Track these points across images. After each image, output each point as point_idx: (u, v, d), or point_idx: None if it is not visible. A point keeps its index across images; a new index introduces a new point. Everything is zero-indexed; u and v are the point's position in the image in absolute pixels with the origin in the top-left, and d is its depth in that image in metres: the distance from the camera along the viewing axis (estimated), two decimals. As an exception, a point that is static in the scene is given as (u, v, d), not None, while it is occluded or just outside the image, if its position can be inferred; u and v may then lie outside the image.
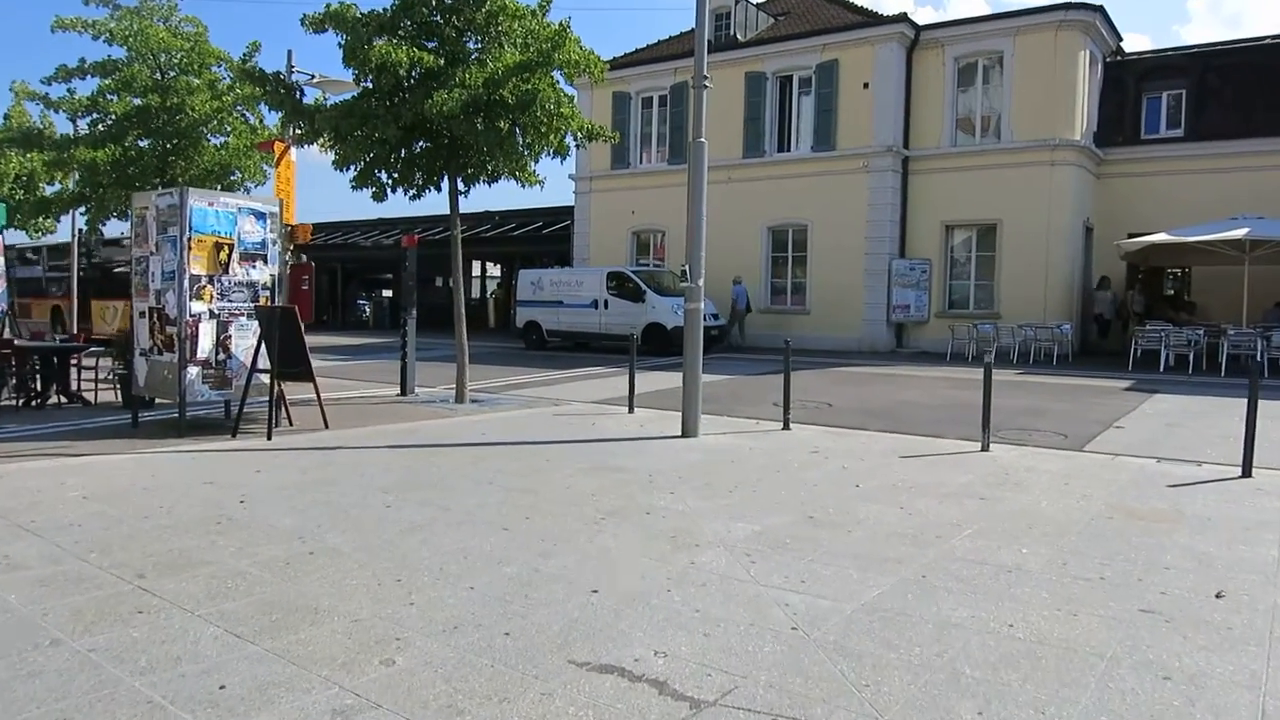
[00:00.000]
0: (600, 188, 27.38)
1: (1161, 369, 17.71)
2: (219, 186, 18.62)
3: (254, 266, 9.38)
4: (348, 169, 11.79)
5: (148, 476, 7.04)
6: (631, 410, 11.35)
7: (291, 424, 9.68)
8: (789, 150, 23.98)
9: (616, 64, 26.64)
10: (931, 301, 22.45)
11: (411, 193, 12.33)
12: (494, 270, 41.26)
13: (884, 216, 22.43)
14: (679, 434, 9.62)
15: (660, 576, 4.80)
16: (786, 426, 10.16)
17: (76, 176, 17.75)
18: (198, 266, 8.95)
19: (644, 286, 21.70)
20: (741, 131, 23.88)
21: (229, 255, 9.16)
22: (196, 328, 8.95)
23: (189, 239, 8.84)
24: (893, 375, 17.33)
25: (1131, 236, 21.00)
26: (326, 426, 9.49)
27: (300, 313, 15.26)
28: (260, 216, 9.43)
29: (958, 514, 6.35)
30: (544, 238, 31.48)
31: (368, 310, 39.36)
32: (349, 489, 6.73)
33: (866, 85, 22.38)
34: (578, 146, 12.63)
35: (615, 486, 7.02)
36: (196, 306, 8.96)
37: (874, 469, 7.97)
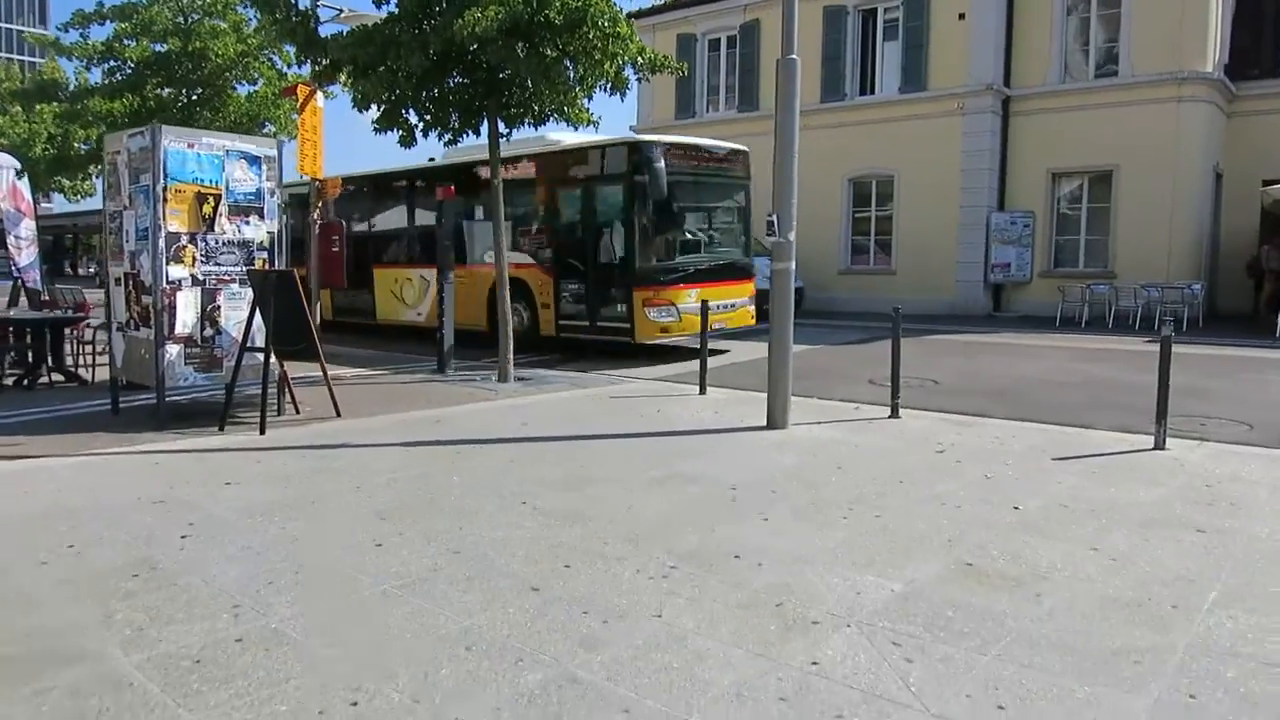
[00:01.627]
0: (664, 139, 25.36)
1: (1317, 336, 15.32)
2: (249, 140, 17.22)
3: (247, 222, 7.74)
4: (370, 108, 10.09)
5: (84, 492, 5.47)
6: (703, 390, 9.55)
7: (298, 412, 8.09)
8: (873, 93, 21.67)
9: (680, 2, 24.55)
10: (1035, 259, 20.09)
11: (446, 137, 10.61)
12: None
13: (981, 164, 20.04)
14: (763, 424, 7.79)
15: (768, 694, 3.02)
16: (895, 414, 8.25)
17: (103, 129, 16.47)
18: (176, 222, 7.34)
19: (712, 245, 19.73)
20: (819, 73, 21.62)
21: (215, 208, 7.53)
22: (175, 297, 7.36)
23: (164, 188, 7.22)
24: (1000, 344, 15.20)
25: (1268, 184, 18.41)
26: (338, 415, 7.88)
27: (332, 277, 13.79)
28: (254, 161, 7.77)
29: (1178, 559, 4.45)
30: (604, 195, 29.58)
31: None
32: (335, 513, 5.07)
33: (962, 16, 19.91)
34: (638, 80, 10.71)
35: (689, 508, 5.25)
36: (175, 271, 7.36)
37: (1027, 478, 6.06)
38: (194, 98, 15.55)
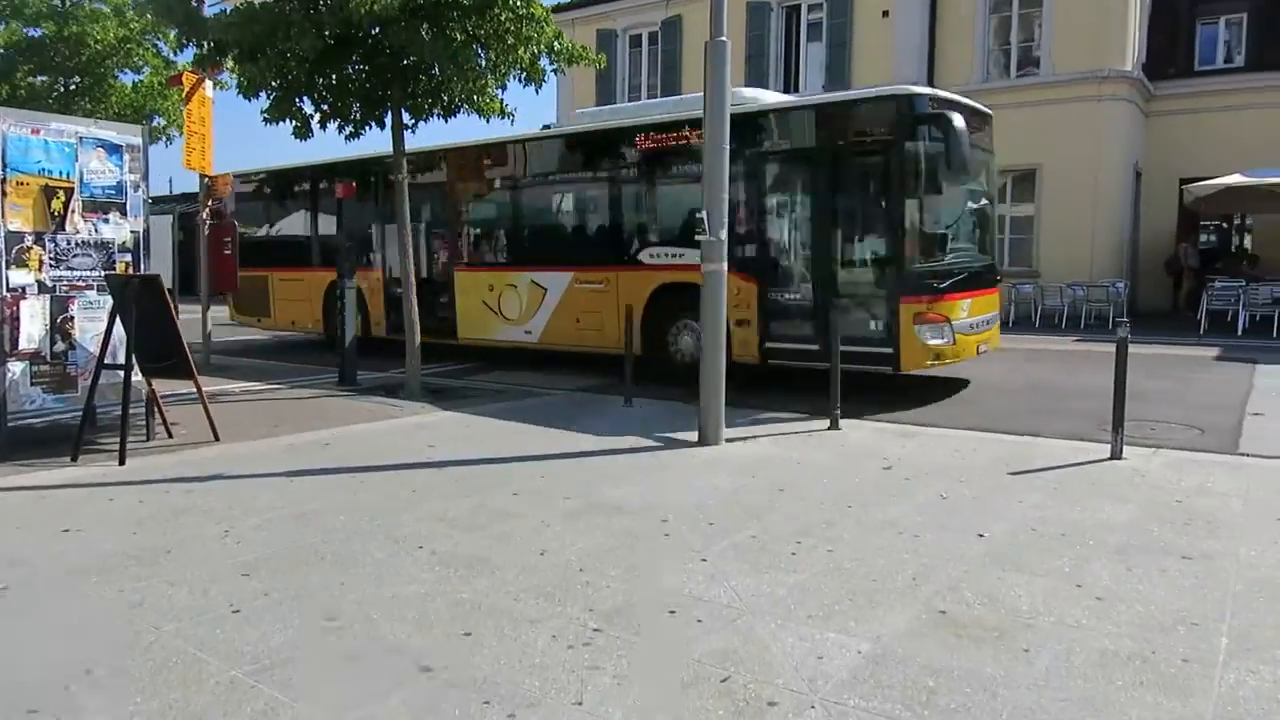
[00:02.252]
0: (585, 138, 24.58)
1: (1239, 332, 15.34)
2: (135, 135, 15.94)
3: (105, 220, 6.77)
4: (258, 96, 9.15)
5: (-120, 547, 4.51)
6: (629, 402, 8.86)
7: (170, 436, 7.14)
8: (797, 91, 21.28)
9: (600, -4, 23.93)
10: (960, 259, 19.90)
11: (348, 130, 9.72)
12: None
13: (906, 163, 19.77)
14: (695, 440, 7.14)
15: (721, 821, 2.33)
16: (834, 424, 7.68)
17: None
18: (19, 220, 6.34)
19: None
20: (743, 70, 21.10)
21: (66, 204, 6.55)
22: (18, 307, 6.36)
23: (2, 180, 6.23)
24: (930, 345, 14.86)
25: (1185, 182, 18.51)
26: (216, 439, 6.95)
27: (224, 281, 12.74)
28: (114, 150, 6.80)
29: (1171, 594, 3.91)
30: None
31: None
32: (190, 568, 4.22)
33: (886, 14, 19.65)
34: (555, 71, 9.99)
35: (614, 547, 4.54)
36: (19, 277, 6.36)
37: (986, 497, 5.51)
38: (71, 87, 14.28)
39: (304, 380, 10.74)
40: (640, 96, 23.87)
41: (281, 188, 15.10)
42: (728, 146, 7.23)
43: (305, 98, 9.23)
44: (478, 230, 12.79)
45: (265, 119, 9.15)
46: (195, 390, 6.86)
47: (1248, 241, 21.76)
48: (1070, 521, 4.97)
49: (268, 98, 9.12)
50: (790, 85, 21.48)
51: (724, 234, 7.16)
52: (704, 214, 7.10)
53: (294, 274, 14.52)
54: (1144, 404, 8.87)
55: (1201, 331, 15.45)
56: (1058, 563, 4.32)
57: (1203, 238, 22.23)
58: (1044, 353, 13.63)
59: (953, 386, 10.28)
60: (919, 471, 6.14)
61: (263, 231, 15.27)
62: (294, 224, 14.94)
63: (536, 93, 9.93)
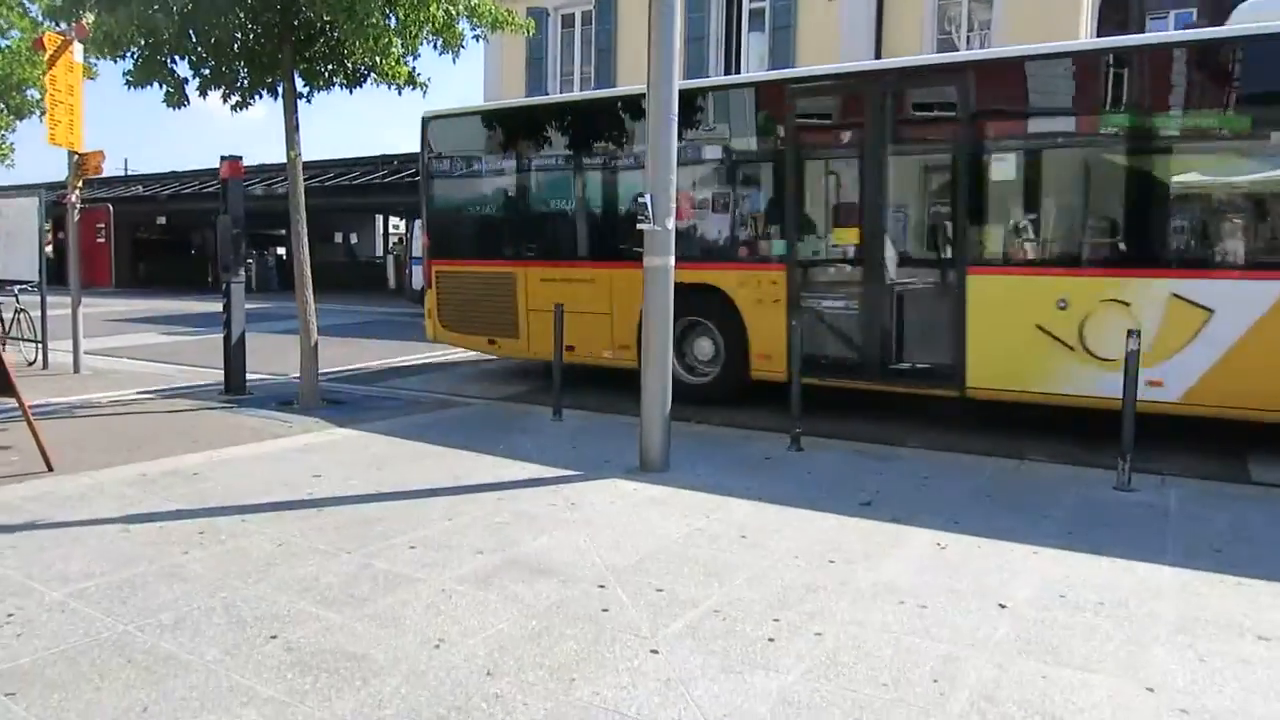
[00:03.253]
0: (515, 123, 23.26)
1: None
2: (3, 108, 14.27)
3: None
4: (122, 56, 7.78)
5: None
6: (558, 414, 7.72)
7: (-9, 463, 5.80)
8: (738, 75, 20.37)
9: (530, -28, 22.62)
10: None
11: (234, 98, 8.41)
12: (400, 225, 36.69)
13: (853, 154, 18.95)
14: (636, 465, 6.05)
15: None
16: (796, 444, 6.66)
17: None
18: None
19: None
20: (682, 54, 20.13)
21: None
22: None
23: None
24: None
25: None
26: (49, 469, 5.64)
27: (96, 274, 11.24)
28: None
29: (1270, 701, 2.99)
30: (453, 184, 27.13)
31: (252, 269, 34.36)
32: (-70, 681, 2.99)
33: (831, -2, 18.82)
34: (476, 38, 8.82)
35: (536, 631, 3.42)
36: None
37: (990, 545, 4.53)
38: (-73, 53, 12.58)
39: (185, 389, 9.34)
40: (574, 80, 22.69)
41: (555, 135, 9.79)
42: (674, 126, 6.16)
43: (178, 58, 7.91)
44: (1026, 202, 7.56)
45: (128, 82, 7.79)
46: (18, 406, 5.54)
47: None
48: (1105, 585, 3.99)
49: (132, 58, 7.77)
50: (731, 69, 20.53)
51: (671, 222, 6.09)
52: (648, 198, 6.01)
53: (575, 270, 9.24)
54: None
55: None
56: (1110, 648, 3.34)
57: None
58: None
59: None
60: (907, 511, 5.11)
61: (500, 206, 9.99)
62: (582, 193, 9.56)
63: (454, 61, 8.68)
